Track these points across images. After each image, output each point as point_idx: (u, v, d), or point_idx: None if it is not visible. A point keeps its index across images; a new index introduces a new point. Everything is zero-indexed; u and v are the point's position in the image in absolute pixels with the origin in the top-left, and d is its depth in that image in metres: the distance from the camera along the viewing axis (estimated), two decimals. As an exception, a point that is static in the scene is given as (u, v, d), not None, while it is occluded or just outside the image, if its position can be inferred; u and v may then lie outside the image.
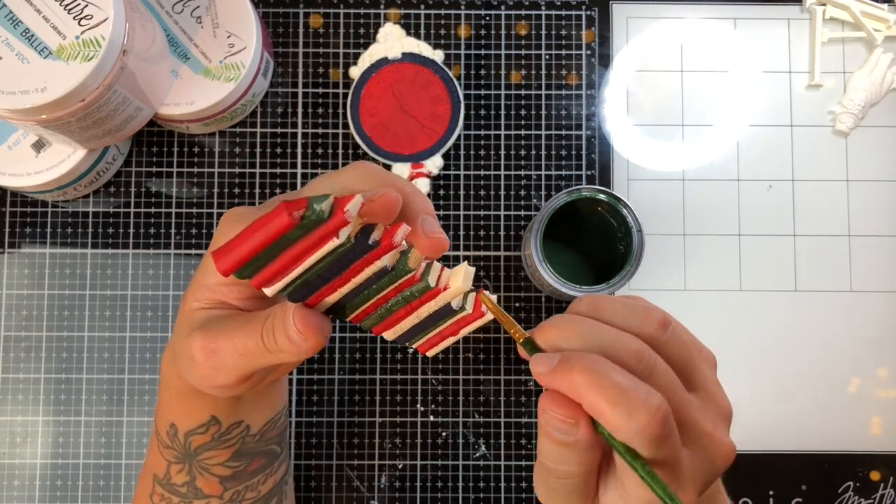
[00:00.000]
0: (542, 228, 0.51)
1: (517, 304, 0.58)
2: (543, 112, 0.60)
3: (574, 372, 0.27)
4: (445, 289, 0.32)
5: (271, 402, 0.41)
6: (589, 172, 0.60)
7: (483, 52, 0.60)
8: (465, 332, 0.34)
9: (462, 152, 0.60)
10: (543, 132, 0.60)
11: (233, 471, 0.40)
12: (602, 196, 0.51)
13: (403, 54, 0.58)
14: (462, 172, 0.59)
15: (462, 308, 0.33)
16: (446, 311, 0.33)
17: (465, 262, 0.33)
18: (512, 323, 0.32)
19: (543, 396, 0.28)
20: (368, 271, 0.31)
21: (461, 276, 0.32)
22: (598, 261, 0.55)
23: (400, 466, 0.58)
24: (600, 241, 0.54)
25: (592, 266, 0.55)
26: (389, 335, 0.34)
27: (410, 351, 0.58)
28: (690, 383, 0.29)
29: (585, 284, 0.51)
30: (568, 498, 0.29)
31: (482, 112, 0.60)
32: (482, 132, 0.60)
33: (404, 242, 0.31)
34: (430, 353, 0.36)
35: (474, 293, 0.34)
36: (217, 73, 0.54)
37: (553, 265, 0.51)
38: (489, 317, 0.33)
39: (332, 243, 0.29)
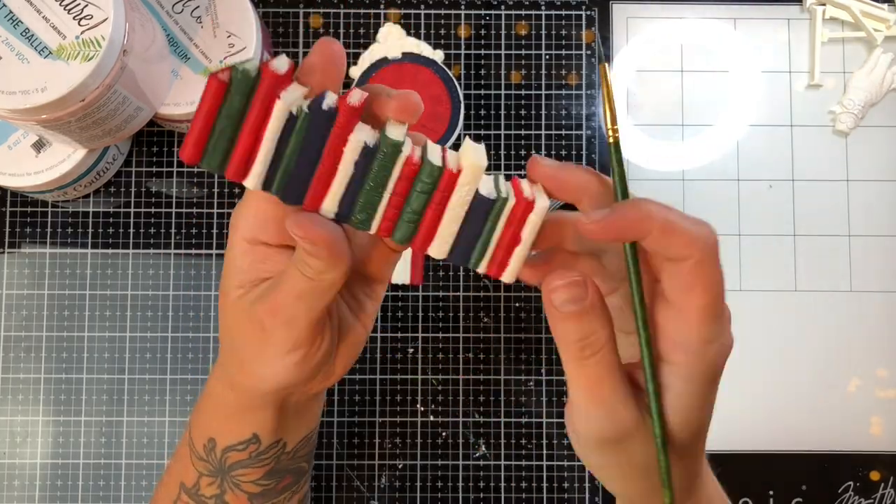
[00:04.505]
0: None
1: (517, 304, 0.59)
2: (543, 112, 0.60)
3: (646, 203, 0.29)
4: (459, 171, 0.30)
5: (309, 419, 0.41)
6: (589, 172, 0.60)
7: (483, 52, 0.60)
8: (527, 234, 0.30)
9: (462, 152, 0.60)
10: (543, 132, 0.60)
11: (262, 488, 0.40)
12: (602, 196, 0.51)
13: (403, 54, 0.58)
14: (462, 172, 0.59)
15: (499, 197, 0.30)
16: (485, 207, 0.30)
17: (468, 137, 0.31)
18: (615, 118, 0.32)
19: (546, 283, 0.30)
20: (349, 152, 0.29)
21: (470, 152, 0.30)
22: (598, 261, 0.55)
23: (400, 466, 0.58)
24: (600, 241, 0.54)
25: (592, 266, 0.55)
26: (437, 250, 0.30)
27: (410, 351, 0.58)
28: None
29: (585, 284, 0.51)
30: (611, 372, 0.30)
31: (482, 112, 0.60)
32: (482, 132, 0.60)
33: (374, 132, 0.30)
34: (507, 278, 0.30)
35: (508, 181, 0.30)
36: (217, 73, 0.54)
37: (553, 265, 0.51)
38: (543, 203, 0.30)
39: (280, 109, 0.28)
